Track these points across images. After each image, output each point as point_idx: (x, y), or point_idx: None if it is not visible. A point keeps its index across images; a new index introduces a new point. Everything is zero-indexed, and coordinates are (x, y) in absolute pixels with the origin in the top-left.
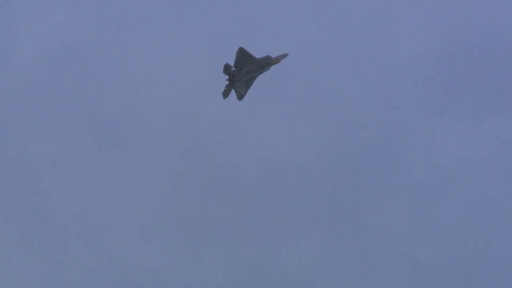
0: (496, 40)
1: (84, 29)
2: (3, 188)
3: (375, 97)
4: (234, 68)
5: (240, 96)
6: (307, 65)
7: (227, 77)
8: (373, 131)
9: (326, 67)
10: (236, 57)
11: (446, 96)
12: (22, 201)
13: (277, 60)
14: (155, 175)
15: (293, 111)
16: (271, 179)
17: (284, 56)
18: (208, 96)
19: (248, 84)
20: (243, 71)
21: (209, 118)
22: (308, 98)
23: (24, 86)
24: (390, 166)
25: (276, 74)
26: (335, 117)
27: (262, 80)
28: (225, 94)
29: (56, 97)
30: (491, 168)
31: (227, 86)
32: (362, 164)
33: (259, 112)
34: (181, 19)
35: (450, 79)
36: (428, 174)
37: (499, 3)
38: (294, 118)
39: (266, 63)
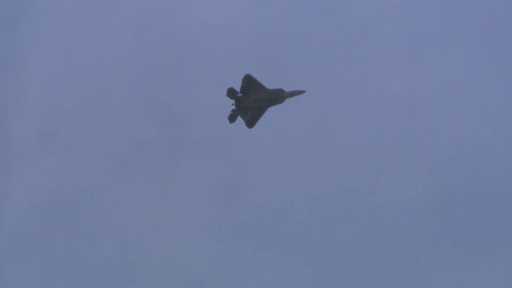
0: (489, 186)
1: (77, 178)
2: None
3: (368, 247)
4: (240, 94)
5: (249, 123)
6: (303, 217)
7: (233, 101)
8: (368, 279)
9: (318, 222)
10: (242, 83)
11: (439, 242)
12: None
13: (289, 95)
14: None
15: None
16: None
17: (299, 92)
18: (202, 248)
19: (259, 113)
20: (250, 98)
21: (203, 270)
22: (305, 250)
23: (15, 239)
24: None
25: None
26: (328, 262)
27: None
28: (231, 118)
29: (49, 250)
30: None
31: (233, 110)
32: None
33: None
34: (177, 170)
35: (443, 225)
36: None
37: (490, 142)
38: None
39: (277, 95)
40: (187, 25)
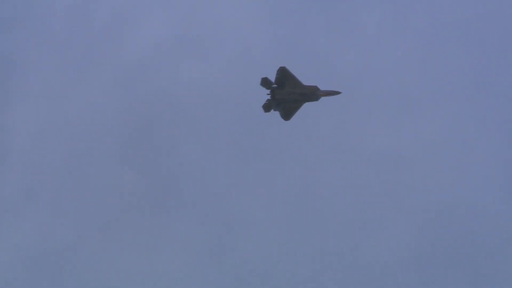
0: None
1: (62, 234)
2: None
3: None
4: (275, 85)
5: (284, 116)
6: (289, 273)
7: (268, 91)
8: None
9: (304, 278)
10: (277, 74)
11: None
12: None
13: (325, 94)
14: None
15: None
16: None
17: (335, 93)
18: None
19: (294, 106)
20: (285, 91)
21: None
22: None
23: None
24: None
25: None
26: None
27: None
28: (266, 108)
29: None
30: None
31: (268, 100)
32: None
33: None
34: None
35: (429, 282)
36: None
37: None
38: None
39: (312, 92)
40: (175, 80)
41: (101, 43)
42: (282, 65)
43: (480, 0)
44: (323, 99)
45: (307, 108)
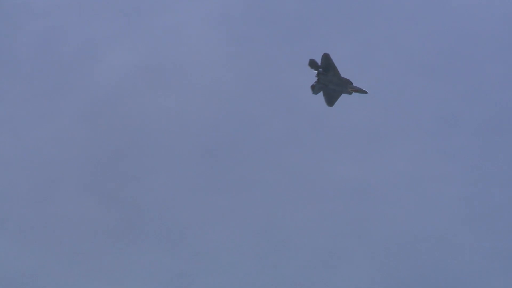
0: None
1: (24, 263)
2: None
3: None
4: (321, 70)
5: (328, 102)
6: None
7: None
8: None
9: None
10: (322, 60)
11: None
12: None
13: (354, 90)
14: None
15: None
16: None
17: (362, 91)
18: None
19: (334, 95)
20: (327, 77)
21: None
22: None
23: None
24: None
25: None
26: None
27: None
28: (314, 89)
29: None
30: None
31: (316, 82)
32: None
33: None
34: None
35: None
36: None
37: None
38: None
39: (346, 84)
40: (141, 110)
41: (68, 72)
42: (326, 52)
43: (441, 35)
44: None
45: (277, 139)
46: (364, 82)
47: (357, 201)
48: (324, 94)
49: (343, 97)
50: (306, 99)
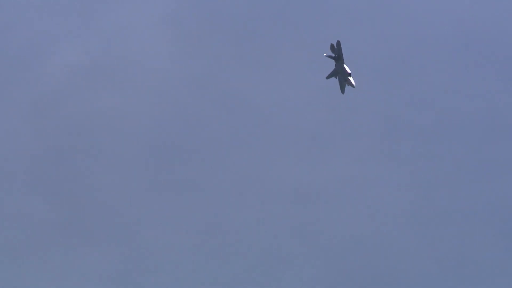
0: None
1: None
2: None
3: None
4: (336, 56)
5: (341, 89)
6: None
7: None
8: None
9: None
10: (336, 46)
11: None
12: None
13: (348, 82)
14: None
15: None
16: None
17: (351, 84)
18: None
19: (342, 84)
20: (339, 64)
21: None
22: None
23: None
24: None
25: None
26: None
27: None
28: (330, 75)
29: None
30: None
31: (336, 65)
32: None
33: None
34: None
35: None
36: None
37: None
38: None
39: (346, 74)
40: (84, 109)
41: (13, 69)
42: (339, 39)
43: (386, 39)
44: None
45: (222, 139)
46: (312, 83)
47: (300, 202)
48: (339, 81)
49: (288, 100)
50: (252, 99)
